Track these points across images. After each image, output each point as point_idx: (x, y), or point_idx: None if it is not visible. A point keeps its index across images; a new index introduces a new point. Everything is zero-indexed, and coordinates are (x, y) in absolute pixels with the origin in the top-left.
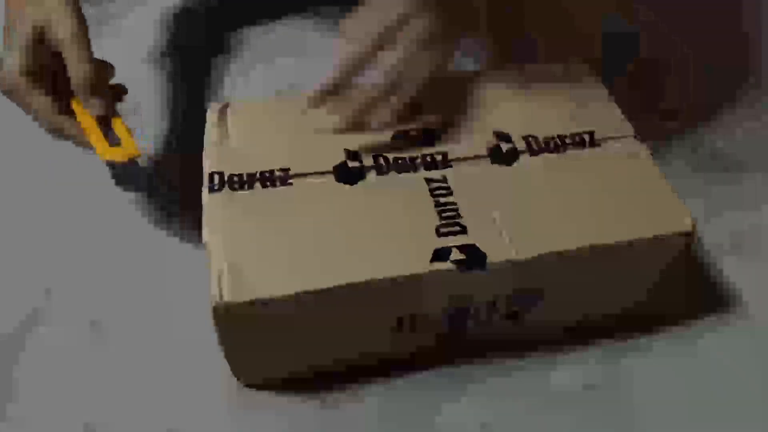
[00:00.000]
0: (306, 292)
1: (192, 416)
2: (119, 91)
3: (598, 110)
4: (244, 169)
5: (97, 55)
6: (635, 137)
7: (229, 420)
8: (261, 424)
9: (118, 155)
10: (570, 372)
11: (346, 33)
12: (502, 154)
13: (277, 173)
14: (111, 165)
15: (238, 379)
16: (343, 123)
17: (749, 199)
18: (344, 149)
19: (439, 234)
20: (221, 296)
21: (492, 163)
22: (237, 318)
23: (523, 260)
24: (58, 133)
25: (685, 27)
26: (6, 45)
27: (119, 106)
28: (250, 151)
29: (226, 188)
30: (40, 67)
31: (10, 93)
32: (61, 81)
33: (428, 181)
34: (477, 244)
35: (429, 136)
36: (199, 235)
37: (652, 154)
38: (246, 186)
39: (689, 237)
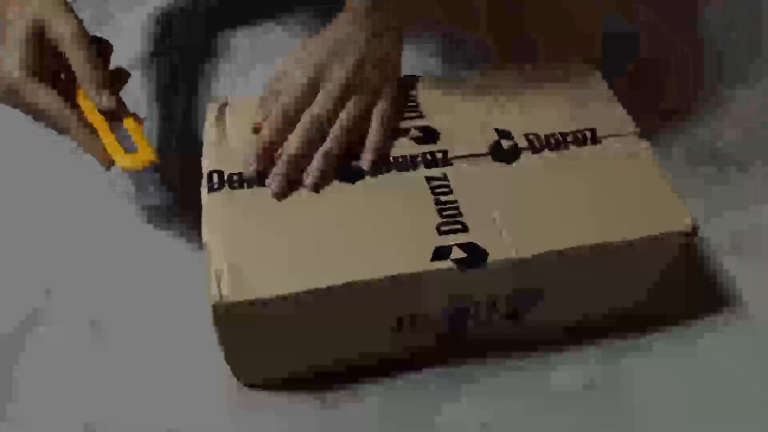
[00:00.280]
0: (306, 292)
1: (192, 416)
2: (122, 75)
3: (600, 108)
4: (244, 169)
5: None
6: (637, 134)
7: (229, 420)
8: (261, 424)
9: (134, 162)
10: (570, 372)
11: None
12: (503, 152)
13: None
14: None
15: (238, 379)
16: (277, 187)
17: (749, 199)
18: None
19: (439, 232)
20: (221, 296)
21: (493, 161)
22: (237, 318)
23: (524, 259)
24: (66, 131)
25: (685, 27)
26: (4, 45)
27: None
28: (249, 150)
29: (226, 187)
30: (40, 67)
31: (12, 93)
32: (61, 81)
33: (429, 179)
34: (477, 243)
35: (430, 135)
36: (199, 235)
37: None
38: (245, 185)
39: (689, 236)
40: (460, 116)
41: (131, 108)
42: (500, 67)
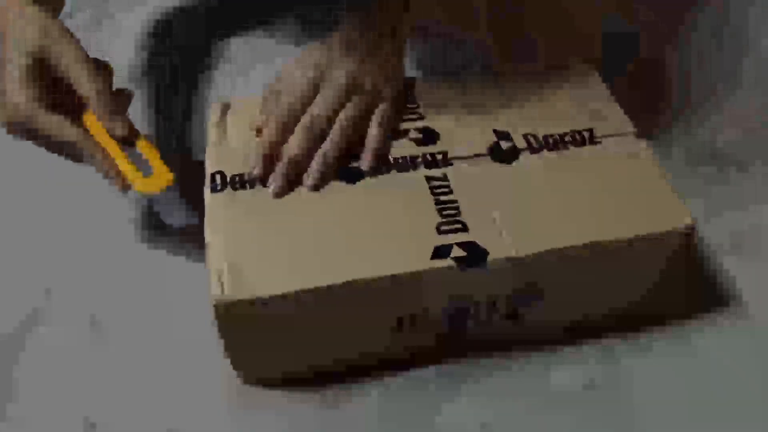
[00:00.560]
0: (306, 291)
1: (192, 416)
2: (128, 97)
3: (599, 108)
4: (245, 169)
5: (97, 54)
6: (636, 135)
7: (229, 420)
8: (261, 424)
9: (153, 185)
10: (570, 372)
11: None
12: (502, 153)
13: None
14: (146, 197)
15: (238, 378)
16: (277, 187)
17: (749, 199)
18: None
19: (439, 232)
20: (222, 295)
21: (492, 161)
22: (238, 317)
23: (524, 258)
24: (83, 158)
25: (685, 27)
26: (6, 76)
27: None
28: (251, 151)
29: (228, 188)
30: (46, 95)
31: (20, 125)
32: (65, 107)
33: (429, 179)
34: (477, 242)
35: (429, 136)
36: (200, 234)
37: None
38: (247, 186)
39: (689, 235)
40: (459, 117)
41: (130, 107)
42: (500, 68)
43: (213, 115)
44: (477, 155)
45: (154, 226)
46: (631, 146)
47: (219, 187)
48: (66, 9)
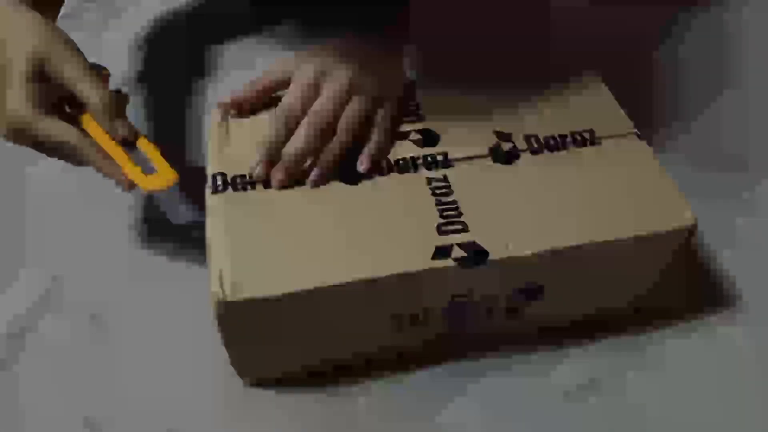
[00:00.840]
0: (307, 290)
1: (192, 416)
2: (124, 99)
3: (599, 109)
4: (247, 170)
5: (96, 54)
6: (636, 135)
7: (229, 419)
8: (261, 423)
9: (157, 183)
10: (571, 370)
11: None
12: (502, 154)
13: None
14: (151, 195)
15: (238, 377)
16: (278, 187)
17: (749, 198)
18: None
19: (440, 232)
20: (223, 294)
21: (493, 162)
22: (238, 316)
23: (524, 257)
24: (86, 162)
25: (685, 27)
26: (5, 83)
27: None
28: (252, 152)
29: (229, 189)
30: (46, 101)
31: (21, 132)
32: (64, 112)
33: (429, 180)
34: (478, 242)
35: (430, 138)
36: (202, 233)
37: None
38: (248, 186)
39: (690, 234)
40: (460, 119)
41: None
42: (500, 69)
43: (214, 116)
44: (477, 156)
45: (156, 224)
46: (631, 146)
47: (220, 188)
48: (72, 9)
